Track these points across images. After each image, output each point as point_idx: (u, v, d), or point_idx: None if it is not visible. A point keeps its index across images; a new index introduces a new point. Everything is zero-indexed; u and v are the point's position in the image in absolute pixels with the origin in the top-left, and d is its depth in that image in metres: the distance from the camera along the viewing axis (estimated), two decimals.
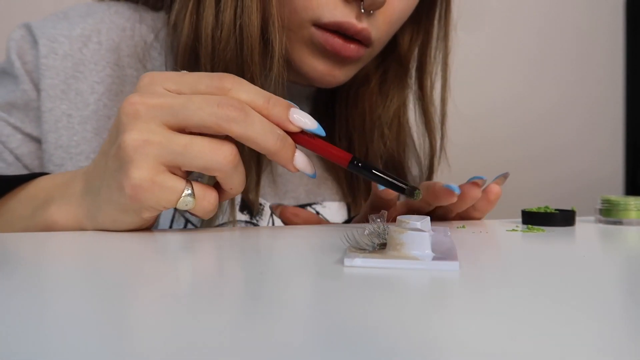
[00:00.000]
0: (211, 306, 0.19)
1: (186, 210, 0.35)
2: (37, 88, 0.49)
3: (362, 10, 0.45)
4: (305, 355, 0.14)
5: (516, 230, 0.41)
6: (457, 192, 0.42)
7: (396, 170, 0.62)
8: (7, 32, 0.52)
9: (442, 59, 0.59)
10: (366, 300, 0.20)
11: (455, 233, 0.39)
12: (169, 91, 0.35)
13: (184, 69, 0.47)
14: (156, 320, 0.17)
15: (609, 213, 0.49)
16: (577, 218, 0.47)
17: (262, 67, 0.45)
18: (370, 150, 0.59)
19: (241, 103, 0.34)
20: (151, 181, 0.33)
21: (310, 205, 0.58)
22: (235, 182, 0.35)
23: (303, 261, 0.29)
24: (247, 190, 0.52)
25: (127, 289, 0.22)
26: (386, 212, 0.39)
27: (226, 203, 0.49)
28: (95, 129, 0.50)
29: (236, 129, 0.33)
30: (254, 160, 0.50)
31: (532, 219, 0.45)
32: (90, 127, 0.50)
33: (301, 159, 0.36)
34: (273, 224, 0.55)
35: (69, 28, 0.51)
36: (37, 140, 0.50)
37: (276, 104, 0.35)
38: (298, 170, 0.37)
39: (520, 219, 0.48)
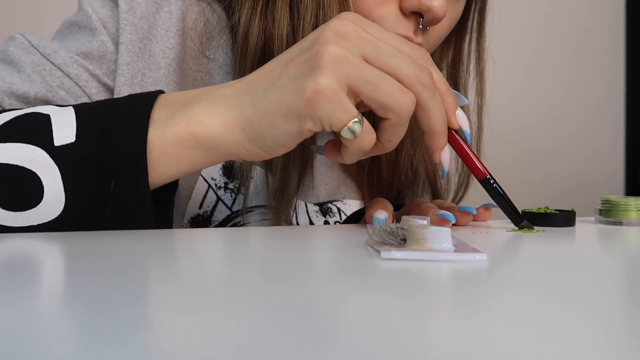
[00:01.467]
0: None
1: (344, 139, 0.36)
2: (116, 41, 0.50)
3: (420, 26, 0.47)
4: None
5: (516, 230, 0.41)
6: (474, 212, 0.44)
7: (428, 179, 0.63)
8: (8, 26, 0.51)
9: (477, 72, 0.61)
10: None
11: (456, 233, 0.39)
12: None
13: (254, 66, 0.48)
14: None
15: (609, 213, 0.49)
16: (577, 218, 0.47)
17: None
18: (400, 154, 0.60)
19: (433, 77, 0.36)
20: (335, 93, 0.34)
21: (331, 202, 0.59)
22: (398, 134, 0.37)
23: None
24: (289, 190, 0.52)
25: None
26: (387, 213, 0.41)
27: (264, 189, 0.51)
28: None
29: (425, 95, 0.35)
30: (298, 161, 0.50)
31: (532, 219, 0.45)
32: None
33: (447, 153, 0.39)
34: (297, 217, 0.55)
35: None
36: (111, 92, 0.50)
37: (452, 95, 0.38)
38: (438, 162, 0.39)
39: None
